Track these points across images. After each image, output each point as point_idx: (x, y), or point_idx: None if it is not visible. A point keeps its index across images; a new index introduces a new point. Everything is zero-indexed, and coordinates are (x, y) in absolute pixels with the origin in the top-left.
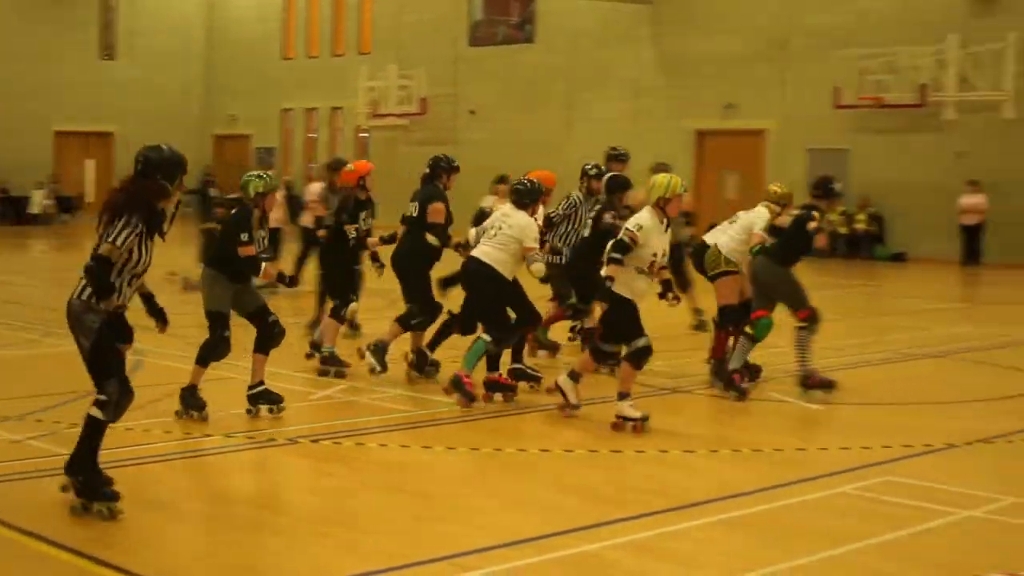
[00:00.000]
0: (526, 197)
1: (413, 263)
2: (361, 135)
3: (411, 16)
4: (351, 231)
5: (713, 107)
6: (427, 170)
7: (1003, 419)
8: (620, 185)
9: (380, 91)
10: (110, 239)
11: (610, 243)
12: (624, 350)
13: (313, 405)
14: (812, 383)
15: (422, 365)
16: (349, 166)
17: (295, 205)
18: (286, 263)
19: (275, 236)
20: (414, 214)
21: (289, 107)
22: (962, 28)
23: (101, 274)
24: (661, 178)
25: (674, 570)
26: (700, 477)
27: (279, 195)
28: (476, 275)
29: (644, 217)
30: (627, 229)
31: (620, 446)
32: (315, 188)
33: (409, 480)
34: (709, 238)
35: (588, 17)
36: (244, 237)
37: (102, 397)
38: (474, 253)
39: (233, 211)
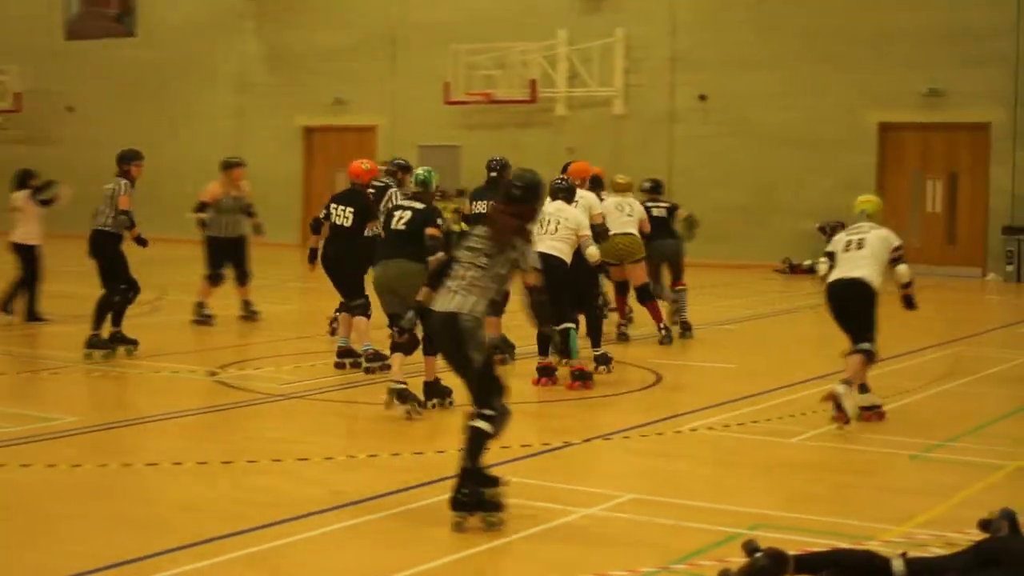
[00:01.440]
0: (570, 194)
1: None
2: None
3: (3, 7)
4: None
5: (322, 103)
6: None
7: (633, 415)
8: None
9: None
10: (533, 265)
11: None
12: None
13: None
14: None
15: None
16: None
17: None
18: None
19: None
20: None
21: None
22: (571, 24)
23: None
24: None
25: None
26: (316, 486)
27: None
28: (559, 269)
29: None
30: None
31: (231, 456)
32: None
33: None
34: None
35: (189, 9)
36: None
37: (489, 412)
38: (545, 249)
39: None
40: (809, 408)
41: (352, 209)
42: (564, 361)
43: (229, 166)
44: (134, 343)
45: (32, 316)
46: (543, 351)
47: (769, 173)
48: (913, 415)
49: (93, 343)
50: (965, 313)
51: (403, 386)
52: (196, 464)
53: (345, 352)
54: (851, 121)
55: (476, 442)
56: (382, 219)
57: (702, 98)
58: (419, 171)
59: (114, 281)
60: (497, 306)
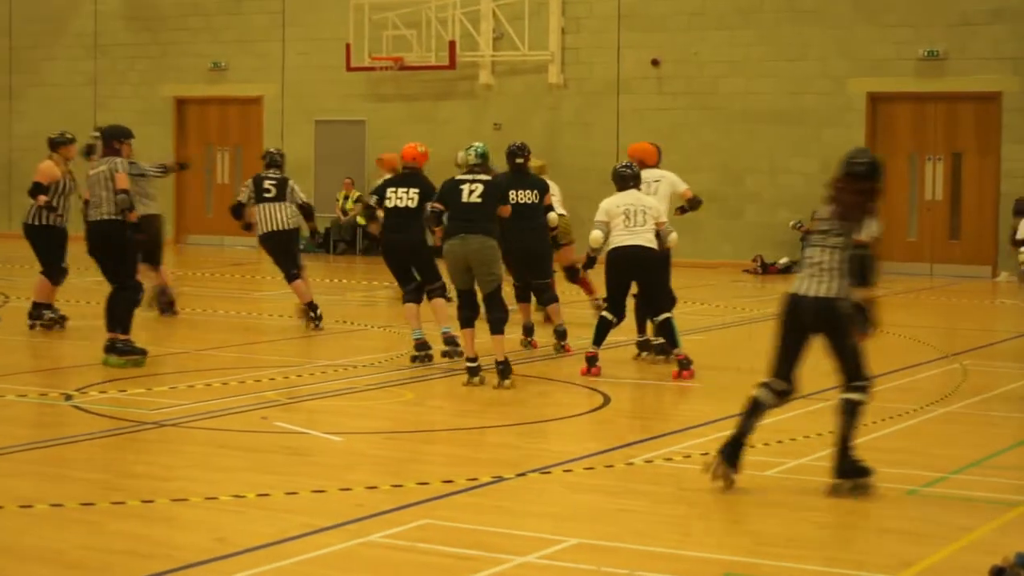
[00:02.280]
0: (633, 180)
1: None
2: None
3: None
4: None
5: (196, 69)
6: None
7: (576, 443)
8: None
9: None
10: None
11: None
12: None
13: None
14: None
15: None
16: None
17: None
18: None
19: None
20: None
21: None
22: None
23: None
24: None
25: None
26: (196, 532)
27: None
28: (651, 260)
29: None
30: None
31: (92, 497)
32: None
33: None
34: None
35: None
36: None
37: (861, 383)
38: (636, 241)
39: None
40: (787, 434)
41: (417, 190)
42: (673, 352)
43: (64, 143)
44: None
45: None
46: (599, 340)
47: (738, 154)
48: (912, 442)
49: (114, 347)
50: (972, 321)
51: (475, 363)
52: (49, 507)
53: (423, 344)
54: (835, 91)
55: (854, 413)
56: (373, 199)
57: (655, 63)
58: (477, 145)
59: (128, 276)
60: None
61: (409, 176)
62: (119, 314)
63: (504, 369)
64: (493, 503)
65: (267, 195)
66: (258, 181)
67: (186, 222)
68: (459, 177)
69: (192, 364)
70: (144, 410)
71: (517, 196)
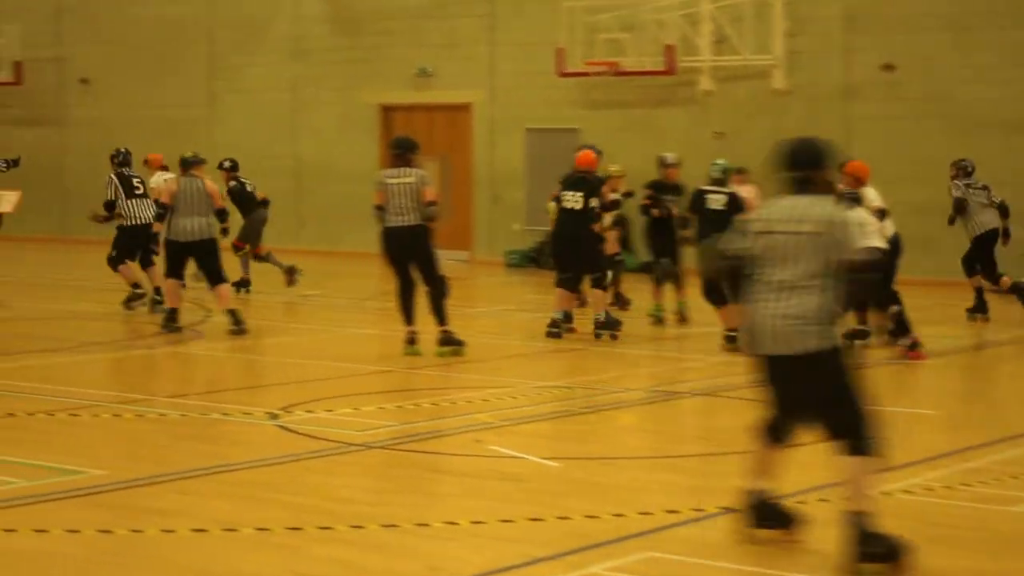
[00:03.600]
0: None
1: None
2: None
3: None
4: None
5: (402, 75)
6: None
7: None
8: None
9: None
10: None
11: None
12: None
13: None
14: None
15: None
16: None
17: None
18: None
19: None
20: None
21: None
22: None
23: None
24: None
25: None
26: (407, 559)
27: None
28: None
29: None
30: None
31: (299, 521)
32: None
33: None
34: None
35: None
36: None
37: None
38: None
39: None
40: None
41: (581, 193)
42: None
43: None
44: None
45: None
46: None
47: (980, 166)
48: None
49: (447, 340)
50: None
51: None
52: (255, 531)
53: (557, 323)
54: None
55: None
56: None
57: (887, 68)
58: (721, 161)
59: (435, 274)
60: (598, 280)
61: (579, 180)
62: (440, 308)
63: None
64: (721, 536)
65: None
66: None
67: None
68: (704, 188)
69: (400, 383)
70: (351, 431)
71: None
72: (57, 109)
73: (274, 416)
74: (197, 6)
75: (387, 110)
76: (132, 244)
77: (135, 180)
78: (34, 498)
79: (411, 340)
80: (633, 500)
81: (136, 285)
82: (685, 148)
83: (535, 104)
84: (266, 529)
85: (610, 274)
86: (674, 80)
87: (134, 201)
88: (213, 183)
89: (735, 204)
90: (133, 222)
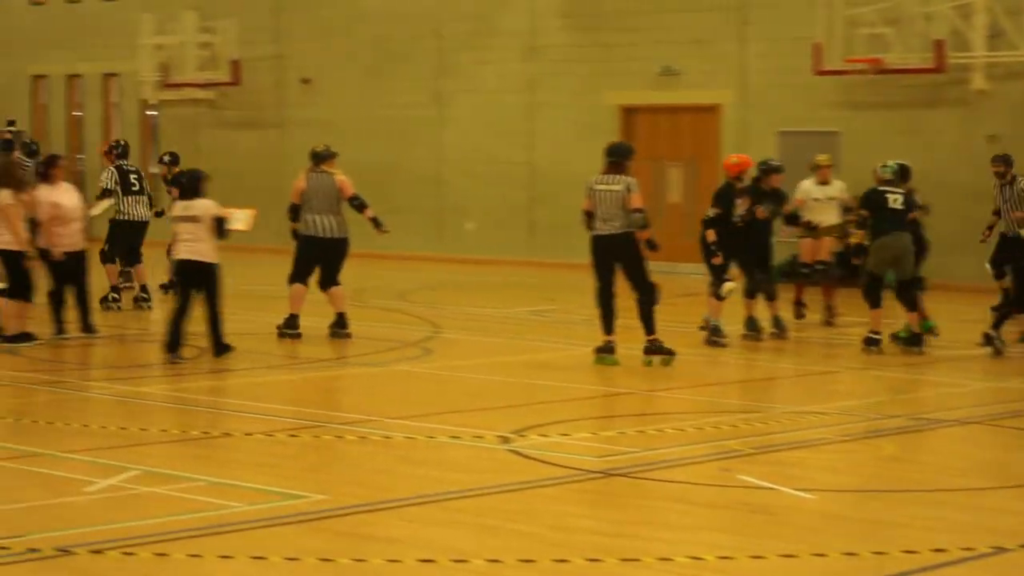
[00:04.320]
0: None
1: None
2: (148, 112)
3: None
4: None
5: (644, 74)
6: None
7: None
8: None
9: (172, 50)
10: None
11: None
12: None
13: (94, 500)
14: None
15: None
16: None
17: None
18: None
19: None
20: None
21: (42, 73)
22: None
23: None
24: None
25: None
26: None
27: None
28: None
29: None
30: None
31: (532, 553)
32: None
33: None
34: None
35: None
36: None
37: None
38: None
39: None
40: None
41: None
42: None
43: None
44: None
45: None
46: None
47: None
48: None
49: (653, 349)
50: None
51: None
52: (485, 562)
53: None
54: None
55: None
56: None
57: None
58: (891, 163)
59: (646, 282)
60: (768, 289)
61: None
62: (648, 316)
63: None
64: None
65: None
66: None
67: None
68: (881, 188)
69: (642, 407)
70: (590, 457)
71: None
72: (276, 110)
73: (506, 440)
74: (425, 1)
75: (628, 112)
76: (125, 240)
77: (132, 176)
78: (253, 523)
79: (606, 349)
80: (895, 537)
81: (115, 288)
82: (955, 152)
83: (789, 105)
84: (497, 561)
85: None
86: (943, 78)
87: (130, 197)
88: (344, 177)
89: (910, 203)
90: (127, 217)
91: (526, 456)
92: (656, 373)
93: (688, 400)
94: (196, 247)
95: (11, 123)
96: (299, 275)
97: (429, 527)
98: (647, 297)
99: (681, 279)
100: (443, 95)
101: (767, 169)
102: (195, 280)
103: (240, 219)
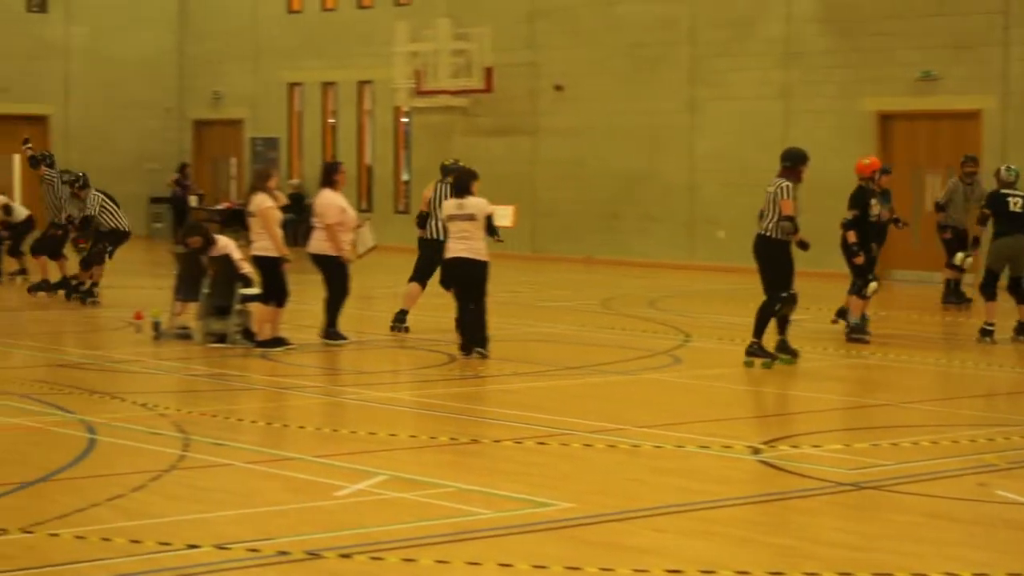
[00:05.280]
0: None
1: None
2: (402, 120)
3: None
4: None
5: (903, 80)
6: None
7: None
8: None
9: (427, 57)
10: None
11: None
12: None
13: (343, 504)
14: None
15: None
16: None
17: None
18: None
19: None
20: None
21: (297, 80)
22: None
23: None
24: None
25: None
26: None
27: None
28: None
29: None
30: None
31: (781, 565)
32: None
33: None
34: None
35: None
36: None
37: None
38: None
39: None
40: None
41: None
42: None
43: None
44: (795, 354)
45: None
46: None
47: None
48: None
49: (753, 351)
50: None
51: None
52: (734, 573)
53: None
54: None
55: None
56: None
57: None
58: (1014, 167)
59: (778, 288)
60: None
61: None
62: (761, 318)
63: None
64: None
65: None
66: None
67: (892, 255)
68: (1003, 192)
69: (896, 418)
70: (842, 469)
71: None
72: (529, 117)
73: (756, 450)
74: (680, 5)
75: (885, 119)
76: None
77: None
78: (500, 530)
79: (752, 352)
80: None
81: (45, 282)
82: None
83: None
84: (746, 572)
85: None
86: None
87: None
88: None
89: None
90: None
91: (776, 467)
92: (904, 384)
93: (939, 412)
94: (471, 245)
95: (26, 141)
96: (419, 276)
97: (678, 537)
98: (769, 301)
99: (939, 288)
100: (696, 102)
101: (882, 171)
102: (465, 277)
103: (505, 215)
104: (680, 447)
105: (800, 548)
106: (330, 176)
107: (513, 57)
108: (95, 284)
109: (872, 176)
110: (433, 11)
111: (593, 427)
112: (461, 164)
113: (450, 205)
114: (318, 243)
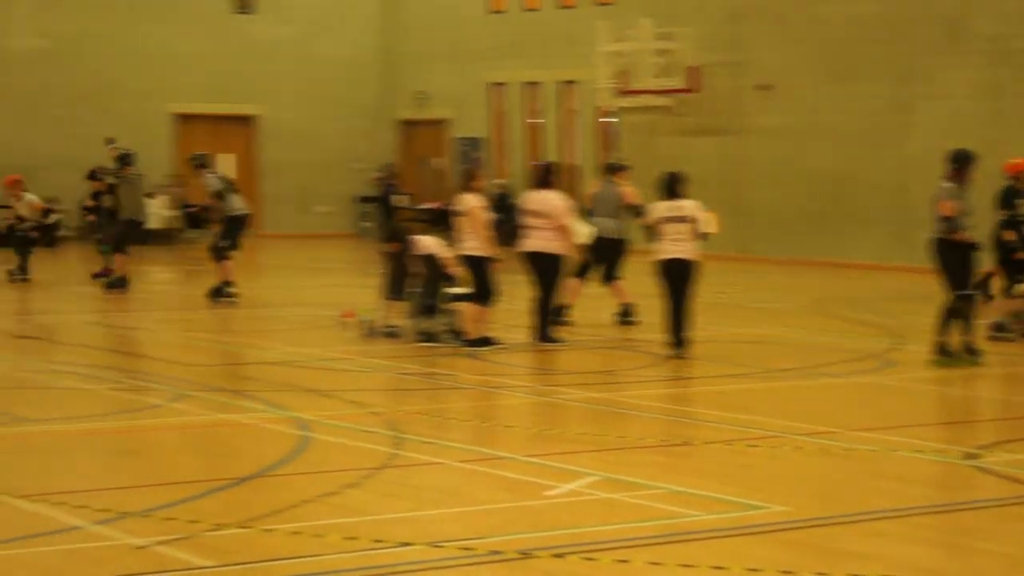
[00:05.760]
0: None
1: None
2: (605, 119)
3: None
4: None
5: None
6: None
7: None
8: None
9: (630, 57)
10: None
11: None
12: None
13: (555, 503)
14: None
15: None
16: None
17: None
18: None
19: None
20: None
21: (500, 81)
22: None
23: None
24: None
25: None
26: None
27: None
28: None
29: None
30: None
31: (995, 574)
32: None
33: None
34: None
35: None
36: None
37: None
38: None
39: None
40: None
41: None
42: None
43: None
44: (978, 354)
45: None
46: None
47: None
48: None
49: (942, 350)
50: None
51: None
52: None
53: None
54: None
55: None
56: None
57: None
58: None
59: (955, 289)
60: None
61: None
62: (944, 318)
63: None
64: None
65: None
66: None
67: None
68: None
69: None
70: None
71: None
72: (735, 117)
73: (971, 456)
74: (889, 3)
75: None
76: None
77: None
78: (713, 532)
79: (940, 351)
80: None
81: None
82: None
83: None
84: None
85: None
86: None
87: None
88: (631, 187)
89: None
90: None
91: (993, 473)
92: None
93: None
94: (684, 246)
95: (111, 141)
96: (581, 271)
97: (893, 543)
98: (949, 305)
99: None
100: (906, 101)
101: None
102: (678, 277)
103: (709, 222)
104: (894, 451)
105: (1019, 555)
106: (547, 176)
107: (717, 56)
108: (227, 283)
109: (1018, 176)
110: (636, 11)
111: (804, 430)
112: (623, 163)
113: (663, 207)
114: (541, 241)
